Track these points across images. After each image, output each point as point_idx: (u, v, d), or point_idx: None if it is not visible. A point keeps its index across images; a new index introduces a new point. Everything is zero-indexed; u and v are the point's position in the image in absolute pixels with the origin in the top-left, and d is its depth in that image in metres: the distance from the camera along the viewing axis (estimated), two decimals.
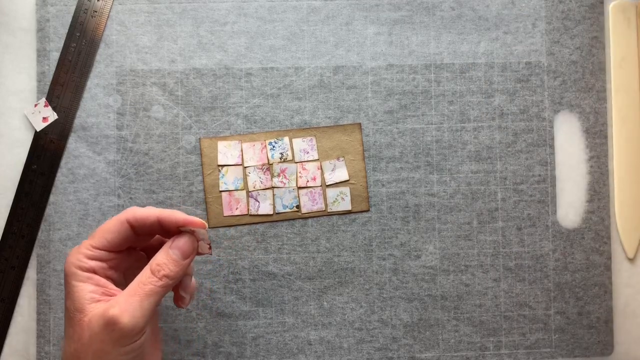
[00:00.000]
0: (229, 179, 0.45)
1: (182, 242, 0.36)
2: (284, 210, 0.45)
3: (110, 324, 0.33)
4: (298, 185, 0.45)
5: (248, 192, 0.45)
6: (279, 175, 0.45)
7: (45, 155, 0.45)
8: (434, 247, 0.46)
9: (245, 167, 0.45)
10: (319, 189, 0.45)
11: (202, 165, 0.45)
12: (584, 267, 0.46)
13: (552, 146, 0.46)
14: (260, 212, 0.45)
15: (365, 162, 0.46)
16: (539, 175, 0.46)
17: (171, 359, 0.44)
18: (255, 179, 0.45)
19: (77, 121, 0.45)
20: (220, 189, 0.45)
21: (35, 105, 0.45)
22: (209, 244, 0.37)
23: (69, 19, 0.45)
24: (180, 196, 0.45)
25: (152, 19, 0.46)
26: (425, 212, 0.46)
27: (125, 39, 0.45)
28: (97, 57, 0.45)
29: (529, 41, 0.46)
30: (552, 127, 0.46)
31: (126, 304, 0.33)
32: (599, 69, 0.47)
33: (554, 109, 0.46)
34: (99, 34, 0.45)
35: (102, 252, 0.35)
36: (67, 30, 0.45)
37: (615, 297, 0.46)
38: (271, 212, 0.45)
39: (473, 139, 0.46)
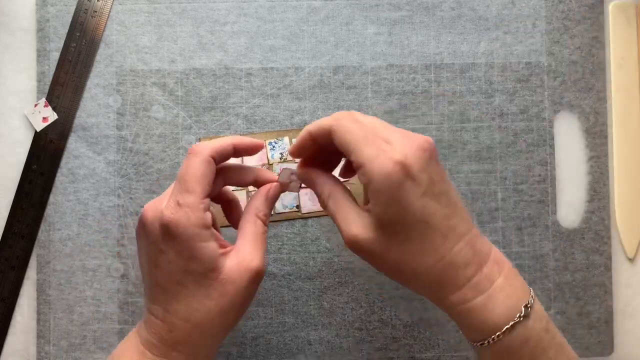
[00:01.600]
0: None
1: (276, 192, 0.38)
2: (284, 210, 0.45)
3: (258, 276, 0.34)
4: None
5: (248, 192, 0.45)
6: (279, 175, 0.45)
7: (45, 155, 0.45)
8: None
9: None
10: None
11: None
12: (584, 267, 0.46)
13: (552, 146, 0.46)
14: None
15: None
16: (539, 175, 0.46)
17: None
18: None
19: (77, 121, 0.45)
20: None
21: (35, 105, 0.45)
22: (300, 184, 0.38)
23: (69, 19, 0.45)
24: None
25: (152, 19, 0.46)
26: None
27: (125, 39, 0.45)
28: (97, 57, 0.45)
29: (529, 41, 0.46)
30: (552, 127, 0.46)
31: (258, 253, 0.35)
32: (599, 69, 0.47)
33: (554, 109, 0.46)
34: (99, 34, 0.45)
35: (208, 200, 0.34)
36: (67, 30, 0.45)
37: (615, 297, 0.46)
38: (271, 212, 0.45)
39: (473, 139, 0.46)
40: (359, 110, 0.46)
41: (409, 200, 0.31)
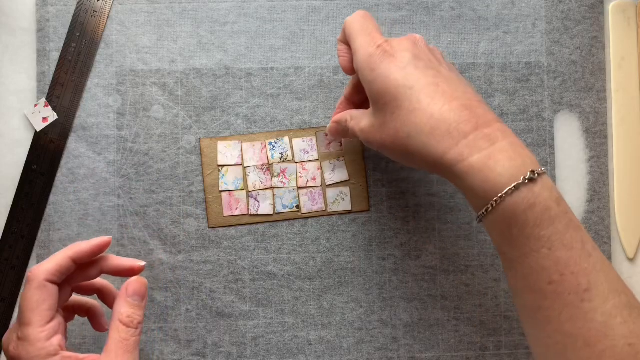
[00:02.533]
0: (229, 179, 0.45)
1: (136, 287, 0.37)
2: (284, 210, 0.45)
3: None
4: (298, 185, 0.45)
5: (248, 192, 0.45)
6: (279, 175, 0.45)
7: (45, 155, 0.45)
8: (434, 247, 0.46)
9: (245, 167, 0.45)
10: (319, 189, 0.45)
11: (202, 165, 0.45)
12: None
13: (552, 146, 0.46)
14: (260, 212, 0.45)
15: (366, 162, 0.46)
16: None
17: (171, 359, 0.44)
18: (255, 179, 0.45)
19: (77, 121, 0.45)
20: (220, 189, 0.45)
21: (35, 105, 0.45)
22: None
23: (69, 19, 0.45)
24: (180, 196, 0.45)
25: (152, 19, 0.46)
26: (425, 212, 0.46)
27: (125, 39, 0.45)
28: (97, 57, 0.45)
29: (529, 41, 0.46)
30: (552, 127, 0.46)
31: None
32: (599, 69, 0.47)
33: (554, 109, 0.46)
34: (99, 34, 0.45)
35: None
36: (67, 30, 0.45)
37: None
38: (271, 212, 0.45)
39: None
40: None
41: (391, 71, 0.34)
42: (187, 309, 0.45)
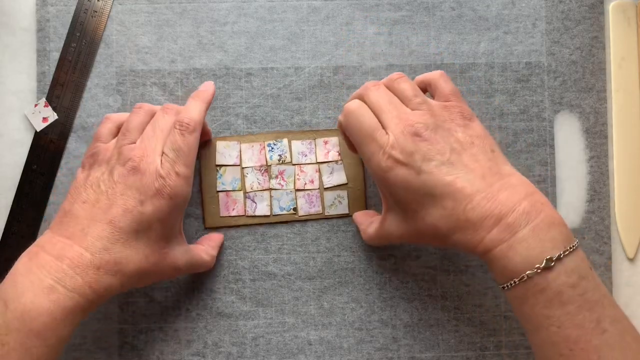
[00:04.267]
0: (226, 179, 0.45)
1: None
2: (281, 212, 0.45)
3: (204, 267, 0.43)
4: (296, 188, 0.45)
5: (245, 192, 0.45)
6: (276, 177, 0.45)
7: (45, 155, 0.45)
8: (434, 247, 0.46)
9: (244, 168, 0.45)
10: (316, 192, 0.45)
11: (199, 165, 0.45)
12: None
13: (552, 146, 0.46)
14: (257, 213, 0.45)
15: (364, 166, 0.45)
16: (539, 175, 0.46)
17: (171, 359, 0.44)
18: (253, 180, 0.45)
19: (77, 121, 0.45)
20: (218, 189, 0.45)
21: (35, 106, 0.45)
22: None
23: (69, 19, 0.45)
24: None
25: (152, 19, 0.46)
26: None
27: (125, 39, 0.45)
28: (97, 57, 0.45)
29: (529, 41, 0.46)
30: (552, 127, 0.46)
31: (210, 259, 0.43)
32: (599, 69, 0.47)
33: (554, 109, 0.46)
34: (99, 34, 0.45)
35: None
36: (67, 30, 0.45)
37: (615, 297, 0.46)
38: (268, 214, 0.45)
39: None
40: None
41: (407, 181, 0.35)
42: (187, 309, 0.45)
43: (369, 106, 0.38)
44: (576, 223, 0.46)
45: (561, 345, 0.33)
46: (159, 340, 0.45)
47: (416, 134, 0.36)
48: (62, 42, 0.45)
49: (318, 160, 0.45)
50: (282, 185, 0.45)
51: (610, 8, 0.47)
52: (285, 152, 0.45)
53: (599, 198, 0.46)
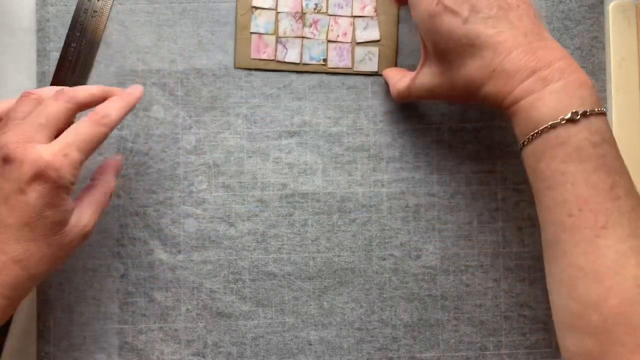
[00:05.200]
0: (260, 22, 0.45)
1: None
2: (310, 62, 0.45)
3: (85, 240, 0.39)
4: (328, 39, 0.45)
5: (278, 37, 0.45)
6: (310, 25, 0.45)
7: None
8: (434, 247, 0.46)
9: (279, 13, 0.45)
10: (348, 45, 0.45)
11: (236, 4, 0.45)
12: None
13: None
14: (287, 60, 0.45)
15: (399, 25, 0.45)
16: None
17: (171, 359, 0.44)
18: (287, 26, 0.45)
19: None
20: (251, 31, 0.45)
21: None
22: None
23: (69, 19, 0.45)
24: (180, 196, 0.45)
25: (152, 19, 0.46)
26: (426, 212, 0.46)
27: (125, 39, 0.45)
28: (97, 57, 0.45)
29: None
30: None
31: (93, 220, 0.39)
32: (599, 69, 0.47)
33: None
34: (99, 34, 0.45)
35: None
36: (67, 30, 0.45)
37: None
38: (298, 61, 0.45)
39: (473, 139, 0.46)
40: (359, 109, 0.46)
41: (451, 29, 0.36)
42: (187, 309, 0.45)
43: None
44: None
45: (572, 204, 0.32)
46: (159, 340, 0.45)
47: None
48: (62, 42, 0.45)
49: (354, 14, 0.45)
50: (315, 35, 0.45)
51: (610, 8, 0.47)
52: (322, 1, 0.45)
53: None
